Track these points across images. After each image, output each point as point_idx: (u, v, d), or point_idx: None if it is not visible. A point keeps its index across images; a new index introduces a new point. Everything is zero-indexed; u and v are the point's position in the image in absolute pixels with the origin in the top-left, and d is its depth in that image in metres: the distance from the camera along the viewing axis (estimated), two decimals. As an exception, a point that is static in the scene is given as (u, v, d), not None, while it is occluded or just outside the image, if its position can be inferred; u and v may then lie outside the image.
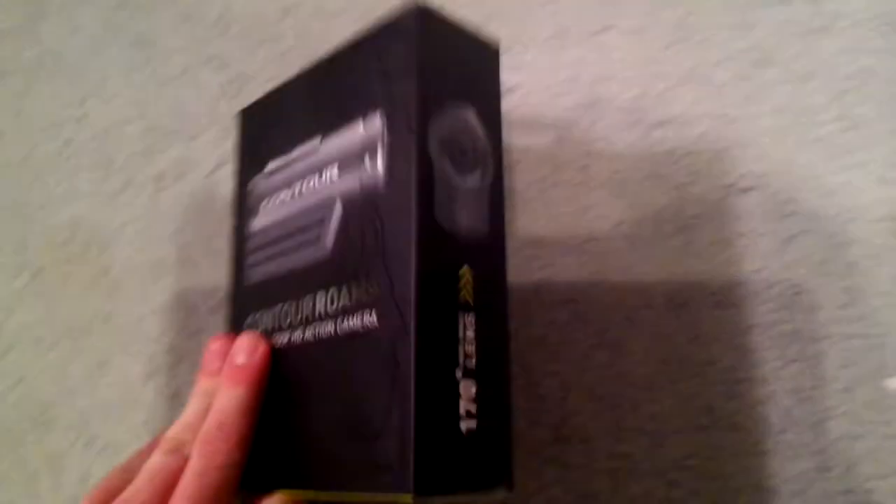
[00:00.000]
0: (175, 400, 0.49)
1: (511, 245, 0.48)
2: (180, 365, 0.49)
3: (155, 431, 0.49)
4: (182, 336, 0.50)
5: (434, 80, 0.33)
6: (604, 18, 0.54)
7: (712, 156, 0.50)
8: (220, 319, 0.49)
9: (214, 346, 0.38)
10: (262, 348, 0.37)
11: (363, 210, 0.34)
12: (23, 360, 0.51)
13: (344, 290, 0.34)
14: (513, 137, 0.51)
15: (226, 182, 0.52)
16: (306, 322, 0.36)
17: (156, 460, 0.34)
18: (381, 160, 0.33)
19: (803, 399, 0.46)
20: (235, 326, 0.41)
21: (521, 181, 0.50)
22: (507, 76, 0.52)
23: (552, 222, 0.49)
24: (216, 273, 0.50)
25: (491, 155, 0.35)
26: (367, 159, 0.34)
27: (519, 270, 0.48)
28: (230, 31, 0.55)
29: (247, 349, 0.37)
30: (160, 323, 0.50)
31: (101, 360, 0.50)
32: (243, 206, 0.43)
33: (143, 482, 0.33)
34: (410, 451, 0.29)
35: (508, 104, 0.52)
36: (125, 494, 0.33)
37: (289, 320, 0.37)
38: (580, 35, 0.53)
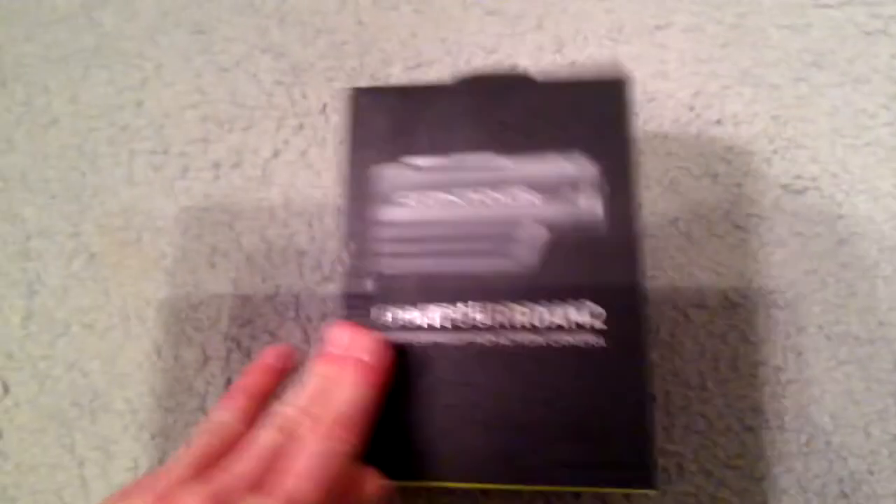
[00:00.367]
0: (228, 388, 0.49)
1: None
2: (233, 354, 0.50)
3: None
4: (235, 325, 0.50)
5: (632, 132, 0.40)
6: (660, 16, 0.54)
7: (767, 156, 0.50)
8: (273, 308, 0.50)
9: (340, 333, 0.38)
10: (389, 351, 0.38)
11: (575, 241, 0.39)
12: (75, 346, 0.51)
13: (553, 308, 0.39)
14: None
15: (281, 171, 0.52)
16: (491, 328, 0.39)
17: (268, 436, 0.34)
18: (596, 202, 0.39)
19: (853, 401, 0.46)
20: (361, 311, 0.40)
21: (575, 177, 0.50)
22: (563, 73, 0.52)
23: (605, 219, 0.50)
24: (270, 262, 0.51)
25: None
26: (577, 196, 0.40)
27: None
28: (287, 22, 0.55)
29: (382, 352, 0.38)
30: (214, 311, 0.50)
31: (154, 347, 0.50)
32: (367, 190, 0.42)
33: (255, 456, 0.33)
34: (649, 452, 0.36)
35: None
36: (235, 466, 0.32)
37: (457, 321, 0.39)
38: (636, 32, 0.53)
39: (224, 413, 0.37)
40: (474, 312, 0.39)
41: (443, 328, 0.39)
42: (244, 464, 0.32)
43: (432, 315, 0.40)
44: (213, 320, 0.50)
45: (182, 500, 0.30)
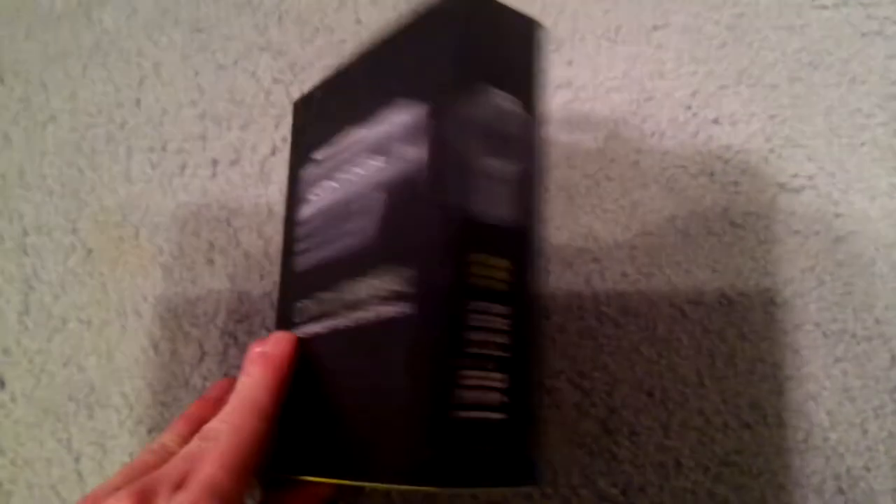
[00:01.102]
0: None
1: (561, 238, 0.49)
2: (230, 349, 0.50)
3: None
4: (232, 320, 0.50)
5: (470, 64, 0.32)
6: (657, 16, 0.54)
7: (764, 155, 0.50)
8: (270, 304, 0.50)
9: (256, 349, 0.39)
10: (286, 340, 0.39)
11: (404, 198, 0.33)
12: (72, 341, 0.51)
13: (383, 278, 0.33)
14: (565, 132, 0.51)
15: (278, 169, 0.52)
16: (346, 309, 0.36)
17: (193, 444, 0.35)
18: (420, 148, 0.32)
19: (850, 398, 0.46)
20: (283, 313, 0.42)
21: (573, 176, 0.50)
22: (561, 71, 0.53)
23: (603, 216, 0.50)
24: (267, 258, 0.51)
25: (526, 141, 0.33)
26: (408, 147, 0.33)
27: (569, 264, 0.49)
28: (285, 20, 0.55)
29: (271, 341, 0.39)
30: (211, 307, 0.50)
31: (151, 342, 0.50)
32: (294, 194, 0.44)
33: (178, 459, 0.35)
34: (437, 441, 0.28)
35: (561, 99, 0.52)
36: (164, 469, 0.34)
37: (330, 307, 0.37)
38: (634, 32, 0.54)
39: (165, 436, 0.39)
40: (330, 298, 0.37)
41: (317, 319, 0.38)
42: (167, 467, 0.34)
43: (311, 308, 0.39)
44: (211, 316, 0.50)
45: (107, 501, 0.32)
